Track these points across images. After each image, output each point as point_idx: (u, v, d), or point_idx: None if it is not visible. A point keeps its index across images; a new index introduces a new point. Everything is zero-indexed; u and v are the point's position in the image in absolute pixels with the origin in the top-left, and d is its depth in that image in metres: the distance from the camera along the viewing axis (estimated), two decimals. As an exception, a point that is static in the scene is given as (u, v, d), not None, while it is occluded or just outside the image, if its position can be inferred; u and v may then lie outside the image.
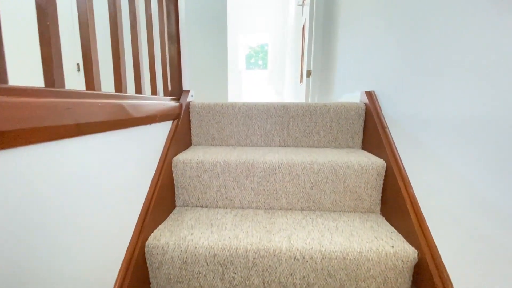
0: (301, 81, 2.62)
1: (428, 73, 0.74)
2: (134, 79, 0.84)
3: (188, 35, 2.07)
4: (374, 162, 0.92)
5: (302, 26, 2.54)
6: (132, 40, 0.81)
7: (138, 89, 0.84)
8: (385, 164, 0.92)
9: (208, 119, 1.17)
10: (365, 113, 1.13)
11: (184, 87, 1.20)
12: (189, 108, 1.18)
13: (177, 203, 1.00)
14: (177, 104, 1.09)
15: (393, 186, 0.88)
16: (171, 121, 1.03)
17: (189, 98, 1.19)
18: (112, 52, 0.71)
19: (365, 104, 1.13)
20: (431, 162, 0.72)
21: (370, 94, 1.12)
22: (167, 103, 0.98)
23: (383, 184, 0.94)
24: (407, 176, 0.84)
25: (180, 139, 1.08)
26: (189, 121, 1.19)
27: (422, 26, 0.78)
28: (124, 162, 0.69)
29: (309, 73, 2.08)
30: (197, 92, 2.02)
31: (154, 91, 0.96)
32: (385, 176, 0.93)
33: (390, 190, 0.90)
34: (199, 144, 1.20)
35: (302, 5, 2.52)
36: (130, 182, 0.72)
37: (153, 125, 0.86)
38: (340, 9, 1.66)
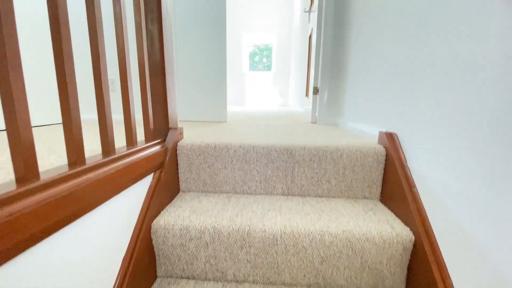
0: (307, 94, 2.43)
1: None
2: (100, 136, 0.67)
3: (183, 36, 1.91)
4: (399, 234, 0.74)
5: (309, 34, 2.34)
6: (95, 79, 0.64)
7: (106, 148, 0.67)
8: (413, 238, 0.74)
9: (199, 163, 1.00)
10: (385, 159, 0.95)
11: (171, 124, 1.03)
12: (176, 149, 1.01)
13: (159, 273, 0.83)
14: (161, 149, 0.92)
15: (424, 267, 0.70)
16: (152, 174, 0.86)
17: (177, 137, 1.02)
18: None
19: (385, 148, 0.95)
20: (481, 260, 0.54)
21: (391, 137, 0.93)
22: (147, 153, 0.81)
23: (410, 261, 0.76)
24: (443, 259, 0.66)
25: (164, 190, 0.91)
26: (177, 164, 1.02)
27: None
28: (80, 260, 0.52)
29: (316, 90, 1.89)
30: (192, 99, 1.86)
31: (130, 141, 0.79)
32: (412, 251, 0.75)
33: (418, 270, 0.72)
34: (189, 190, 1.03)
35: (309, 11, 2.31)
36: (92, 275, 0.55)
37: (125, 191, 0.69)
38: (352, 25, 1.46)
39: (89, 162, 0.56)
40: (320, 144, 0.97)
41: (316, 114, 1.91)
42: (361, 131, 1.26)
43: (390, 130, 0.98)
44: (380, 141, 1.00)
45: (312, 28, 2.10)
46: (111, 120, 0.67)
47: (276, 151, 0.97)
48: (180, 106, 1.98)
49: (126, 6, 1.73)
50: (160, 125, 1.01)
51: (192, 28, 1.87)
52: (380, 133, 1.00)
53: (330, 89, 1.81)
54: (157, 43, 0.94)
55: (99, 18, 0.61)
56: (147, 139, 0.92)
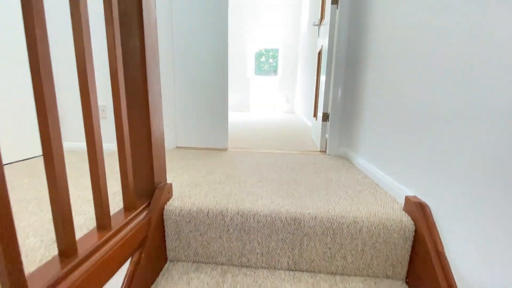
0: (315, 115, 2.25)
1: None
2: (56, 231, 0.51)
3: (182, 58, 1.75)
4: None
5: (318, 50, 2.16)
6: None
7: (66, 251, 0.52)
8: None
9: (189, 230, 0.85)
10: (414, 234, 0.78)
11: (158, 179, 0.88)
12: (163, 215, 0.85)
13: None
14: (144, 220, 0.77)
15: None
16: (129, 259, 0.71)
17: (165, 197, 0.87)
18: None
19: (414, 221, 0.78)
20: None
21: (422, 209, 0.76)
22: (124, 234, 0.66)
23: None
24: None
25: (146, 271, 0.76)
26: (163, 232, 0.86)
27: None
28: None
29: (325, 117, 1.71)
30: (191, 124, 1.64)
31: (102, 225, 0.64)
32: None
33: None
34: (178, 259, 0.88)
35: (319, 25, 2.12)
36: None
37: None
38: (370, 48, 1.28)
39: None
40: (334, 214, 0.80)
41: (326, 142, 1.74)
42: (379, 178, 1.09)
43: (416, 191, 0.80)
44: (406, 208, 0.83)
45: (322, 46, 1.93)
46: (71, 215, 0.52)
47: (281, 220, 0.81)
48: (178, 131, 1.83)
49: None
50: (144, 184, 0.86)
51: (191, 53, 1.71)
52: (407, 199, 0.83)
53: (343, 116, 1.63)
54: (140, 79, 0.79)
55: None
56: (127, 209, 0.77)
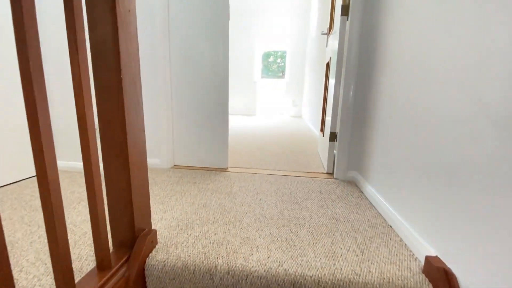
0: (321, 129, 2.12)
1: None
2: None
3: (179, 69, 1.66)
4: None
5: (327, 61, 2.02)
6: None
7: None
8: None
9: (174, 288, 0.74)
10: (437, 307, 0.65)
11: (140, 225, 0.78)
12: (144, 269, 0.75)
13: None
14: (121, 279, 0.67)
15: None
16: (97, 335, 0.61)
17: (148, 247, 0.77)
18: None
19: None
20: None
21: (447, 277, 0.63)
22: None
23: None
24: None
25: None
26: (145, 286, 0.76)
27: None
28: None
29: (333, 137, 1.58)
30: (188, 141, 1.51)
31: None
32: None
33: None
34: (161, 318, 0.78)
35: (327, 34, 1.99)
36: None
37: None
38: (384, 65, 1.15)
39: None
40: (341, 277, 0.68)
41: (334, 164, 1.61)
42: (393, 220, 0.95)
43: (441, 251, 0.67)
44: (427, 271, 0.70)
45: (330, 58, 1.79)
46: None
47: (279, 284, 0.69)
48: (175, 149, 1.74)
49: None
50: (122, 231, 0.76)
51: (190, 68, 1.61)
52: (428, 260, 0.70)
53: (352, 137, 1.50)
54: (116, 96, 0.68)
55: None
56: (101, 268, 0.67)
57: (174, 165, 1.76)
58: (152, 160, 1.71)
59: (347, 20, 1.43)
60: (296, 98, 6.12)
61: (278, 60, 8.04)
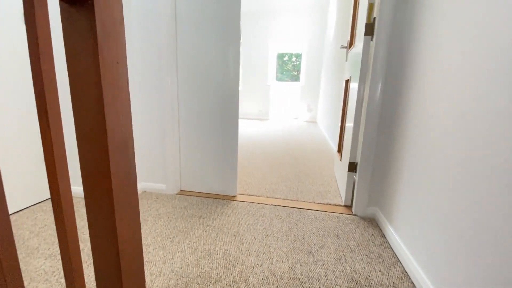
0: (339, 151, 1.96)
1: None
2: None
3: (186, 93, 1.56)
4: None
5: (346, 78, 1.86)
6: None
7: None
8: None
9: None
10: None
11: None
12: None
13: None
14: None
15: None
16: None
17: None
18: None
19: None
20: None
21: None
22: None
23: None
24: None
25: None
26: None
27: None
28: None
29: (353, 167, 1.43)
30: (195, 166, 1.38)
31: None
32: None
33: None
34: None
35: (347, 49, 1.82)
36: None
37: None
38: (413, 91, 0.99)
39: None
40: None
41: (352, 197, 1.46)
42: (422, 287, 0.81)
43: None
44: None
45: (350, 77, 1.63)
46: None
47: None
48: (182, 172, 1.65)
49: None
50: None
51: (198, 85, 1.51)
52: None
53: (374, 169, 1.35)
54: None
55: None
56: None
57: (181, 190, 1.67)
58: (157, 186, 1.63)
59: (371, 40, 1.27)
60: (311, 102, 5.93)
61: (294, 59, 7.83)
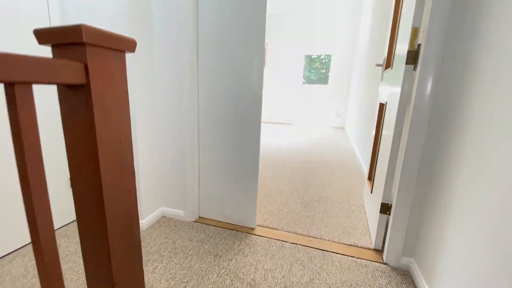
0: (369, 178, 1.79)
1: None
2: None
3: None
4: None
5: (380, 100, 1.68)
6: None
7: None
8: None
9: None
10: None
11: None
12: None
13: None
14: None
15: None
16: None
17: None
18: None
19: None
20: None
21: None
22: None
23: None
24: None
25: None
26: None
27: None
28: None
29: (385, 209, 1.27)
30: (213, 192, 1.36)
31: None
32: None
33: None
34: None
35: (383, 68, 1.63)
36: None
37: None
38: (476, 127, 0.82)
39: None
40: None
41: (384, 242, 1.31)
42: None
43: None
44: None
45: (386, 103, 1.46)
46: None
47: None
48: (201, 196, 1.61)
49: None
50: None
51: (217, 102, 1.44)
52: None
53: (412, 213, 1.18)
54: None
55: None
56: None
57: (199, 217, 1.63)
58: (176, 212, 1.61)
59: (414, 70, 1.10)
60: (340, 108, 5.64)
61: (322, 56, 7.50)
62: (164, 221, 1.58)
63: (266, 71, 5.98)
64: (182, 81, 1.41)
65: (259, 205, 1.81)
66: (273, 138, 4.22)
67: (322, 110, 6.27)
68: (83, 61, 0.46)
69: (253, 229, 1.51)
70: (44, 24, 1.29)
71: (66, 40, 0.44)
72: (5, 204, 1.20)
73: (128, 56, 1.27)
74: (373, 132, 1.79)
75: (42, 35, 0.45)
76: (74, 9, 1.32)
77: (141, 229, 1.47)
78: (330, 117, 5.79)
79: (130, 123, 0.58)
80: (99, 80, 0.48)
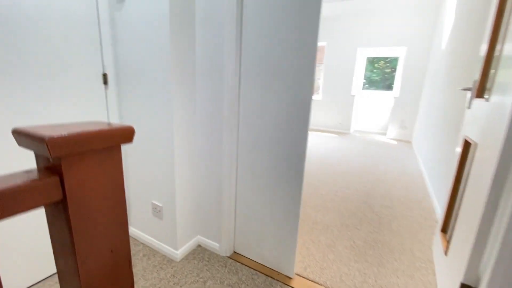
0: (443, 230, 1.41)
1: None
2: None
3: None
4: None
5: (466, 137, 1.29)
6: None
7: None
8: None
9: None
10: None
11: None
12: None
13: None
14: None
15: None
16: None
17: None
18: None
19: None
20: None
21: None
22: None
23: None
24: None
25: None
26: None
27: None
28: None
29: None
30: (249, 230, 1.25)
31: None
32: None
33: None
34: None
35: (472, 93, 1.24)
36: None
37: None
38: None
39: None
40: None
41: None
42: None
43: None
44: None
45: (477, 145, 1.10)
46: None
47: None
48: (237, 228, 1.50)
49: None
50: None
51: (256, 129, 1.30)
52: None
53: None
54: None
55: None
56: None
57: (234, 252, 1.53)
58: (211, 243, 1.53)
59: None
60: (407, 118, 4.92)
61: (389, 61, 6.71)
62: (199, 252, 1.53)
63: (319, 74, 5.62)
64: (222, 113, 1.32)
65: (300, 243, 1.62)
66: (322, 151, 3.89)
67: (383, 119, 5.61)
68: (59, 174, 0.36)
69: (290, 278, 1.33)
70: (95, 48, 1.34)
71: (39, 152, 0.35)
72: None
73: (171, 86, 1.23)
74: (455, 166, 1.40)
75: (20, 142, 0.38)
76: (125, 36, 1.34)
77: (175, 260, 1.44)
78: (393, 128, 5.11)
79: (127, 228, 0.47)
80: (80, 191, 0.38)
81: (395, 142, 4.79)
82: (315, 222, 1.86)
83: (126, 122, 1.47)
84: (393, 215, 1.99)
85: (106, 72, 1.39)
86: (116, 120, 1.46)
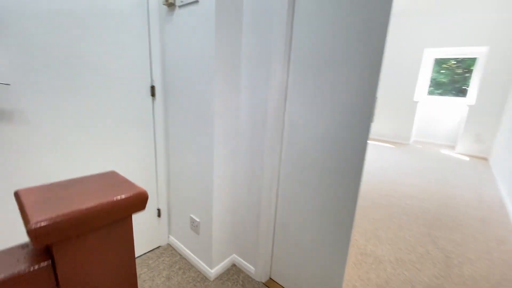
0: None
1: None
2: None
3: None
4: None
5: None
6: None
7: None
8: None
9: None
10: None
11: None
12: None
13: None
14: None
15: None
16: None
17: None
18: None
19: None
20: None
21: None
22: None
23: None
24: None
25: None
26: None
27: None
28: None
29: None
30: (296, 253, 1.09)
31: None
32: None
33: None
34: None
35: None
36: None
37: None
38: None
39: None
40: None
41: None
42: None
43: None
44: None
45: None
46: None
47: None
48: (272, 257, 1.38)
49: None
50: None
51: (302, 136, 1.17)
52: None
53: None
54: None
55: None
56: None
57: (270, 278, 1.42)
58: (246, 266, 1.45)
59: None
60: (484, 131, 4.16)
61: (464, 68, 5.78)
62: (233, 272, 1.46)
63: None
64: (264, 133, 1.22)
65: (346, 279, 1.42)
66: (376, 164, 3.51)
67: (453, 130, 4.86)
68: (51, 257, 0.30)
69: (332, 323, 1.16)
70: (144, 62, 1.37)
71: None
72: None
73: (214, 100, 1.17)
74: None
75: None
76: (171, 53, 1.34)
77: (209, 279, 1.40)
78: (465, 142, 4.37)
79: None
80: (77, 276, 0.31)
81: (467, 158, 4.08)
82: (364, 254, 1.63)
83: (171, 136, 1.48)
84: (465, 256, 1.64)
85: (154, 85, 1.41)
86: (161, 132, 1.47)
